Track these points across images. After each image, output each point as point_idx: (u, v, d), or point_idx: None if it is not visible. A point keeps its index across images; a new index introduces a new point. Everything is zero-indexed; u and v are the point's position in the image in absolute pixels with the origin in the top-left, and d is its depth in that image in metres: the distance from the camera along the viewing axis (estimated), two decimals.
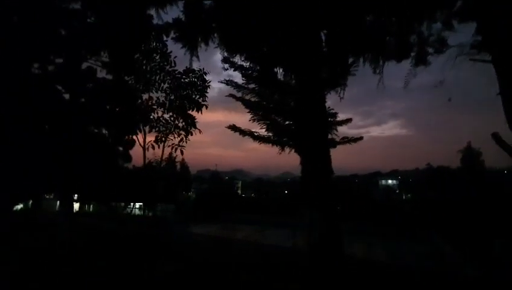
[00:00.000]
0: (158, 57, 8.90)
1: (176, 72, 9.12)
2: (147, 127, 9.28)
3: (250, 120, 6.28)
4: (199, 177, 53.26)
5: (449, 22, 5.27)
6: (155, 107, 9.28)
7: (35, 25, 6.79)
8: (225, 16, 5.89)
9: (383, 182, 53.91)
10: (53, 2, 7.43)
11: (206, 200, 27.16)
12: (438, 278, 6.50)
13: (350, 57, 5.85)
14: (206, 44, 6.40)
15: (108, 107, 8.60)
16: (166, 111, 9.30)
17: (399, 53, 5.60)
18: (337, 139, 6.42)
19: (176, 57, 8.99)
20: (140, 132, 9.31)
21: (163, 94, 9.32)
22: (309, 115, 5.37)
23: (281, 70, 6.25)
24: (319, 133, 5.35)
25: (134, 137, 9.23)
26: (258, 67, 6.22)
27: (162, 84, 9.20)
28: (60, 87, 7.80)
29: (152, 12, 7.81)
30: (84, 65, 8.21)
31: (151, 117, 9.24)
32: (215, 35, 6.30)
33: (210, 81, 9.35)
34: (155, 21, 7.99)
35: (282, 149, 6.38)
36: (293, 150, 6.11)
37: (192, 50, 6.45)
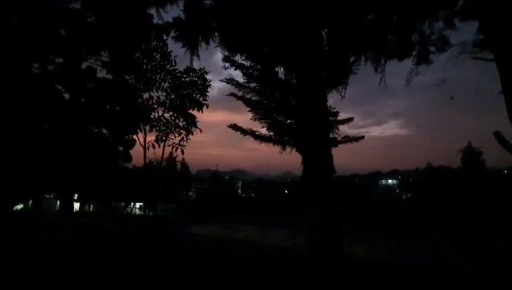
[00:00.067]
0: (158, 56, 8.88)
1: (177, 71, 9.11)
2: (148, 126, 9.26)
3: (251, 119, 6.28)
4: (199, 177, 53.23)
5: (451, 20, 5.26)
6: (155, 106, 9.27)
7: (35, 24, 6.78)
8: (225, 15, 5.88)
9: (383, 181, 53.91)
10: (53, 2, 7.42)
11: (207, 200, 27.15)
12: (438, 277, 6.48)
13: (351, 55, 5.83)
14: (207, 43, 6.39)
15: (108, 106, 8.58)
16: (166, 110, 9.28)
17: (401, 52, 5.59)
18: (339, 139, 6.41)
19: (176, 56, 9.00)
20: (141, 131, 9.30)
21: (164, 93, 9.32)
22: (310, 114, 5.35)
23: (281, 69, 6.24)
24: (320, 132, 5.33)
25: (134, 137, 9.22)
26: (259, 66, 6.20)
27: (163, 84, 9.19)
28: (60, 87, 7.78)
29: (152, 11, 7.82)
30: (84, 65, 8.20)
31: (152, 116, 9.22)
32: (216, 34, 6.29)
33: (211, 81, 9.34)
34: (155, 20, 8.00)
35: (284, 148, 6.37)
36: (294, 150, 6.10)
37: (193, 49, 6.44)
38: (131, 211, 19.98)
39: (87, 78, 8.23)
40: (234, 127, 6.22)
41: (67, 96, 7.88)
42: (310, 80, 5.57)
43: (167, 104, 9.25)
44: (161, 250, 7.50)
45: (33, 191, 7.94)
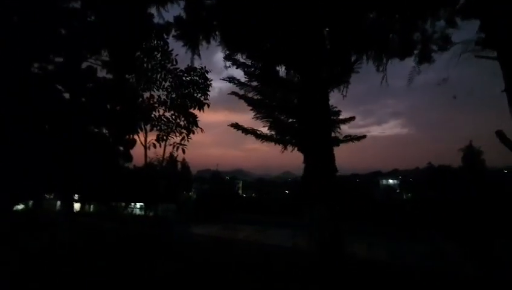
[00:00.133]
0: (159, 55, 8.86)
1: (178, 70, 9.08)
2: (148, 125, 9.23)
3: (253, 118, 6.26)
4: (200, 177, 53.19)
5: (452, 19, 5.23)
6: (156, 105, 9.24)
7: (35, 24, 6.75)
8: (225, 15, 5.86)
9: (384, 181, 53.84)
10: (53, 2, 7.40)
11: (207, 201, 27.13)
12: (439, 277, 6.46)
13: (353, 54, 5.80)
14: (208, 42, 6.38)
15: (109, 106, 8.56)
16: (167, 109, 9.25)
17: (402, 51, 5.56)
18: (340, 138, 6.38)
19: (177, 55, 8.97)
20: (142, 130, 9.27)
21: (165, 92, 9.28)
22: (312, 113, 5.33)
23: (283, 68, 6.22)
24: (322, 131, 5.30)
25: (135, 136, 9.20)
26: (260, 65, 6.17)
27: (164, 83, 9.16)
28: (60, 87, 7.77)
29: (153, 10, 7.82)
30: (85, 65, 8.18)
31: (153, 116, 9.19)
32: (217, 33, 6.27)
33: (212, 80, 9.31)
34: (156, 19, 8.00)
35: (285, 148, 6.34)
36: (296, 149, 6.07)
37: (194, 48, 6.43)
38: (132, 211, 19.96)
39: (88, 77, 8.21)
40: (236, 126, 6.20)
41: (67, 96, 7.86)
42: (311, 78, 5.55)
43: (168, 103, 9.21)
44: (162, 250, 7.48)
45: (33, 191, 7.92)
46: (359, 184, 41.49)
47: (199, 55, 6.68)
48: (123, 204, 19.62)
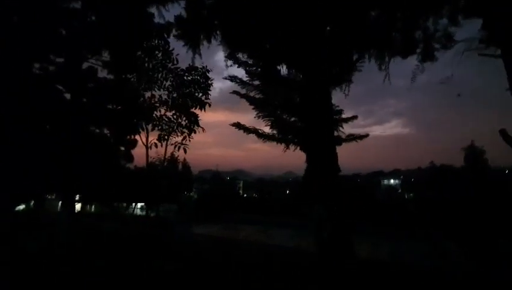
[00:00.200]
0: (160, 54, 8.82)
1: (179, 69, 9.03)
2: (150, 125, 9.19)
3: (255, 117, 6.24)
4: (201, 177, 53.21)
5: (455, 17, 5.19)
6: (157, 105, 9.19)
7: (35, 24, 6.74)
8: (224, 16, 5.85)
9: (385, 181, 53.71)
10: (53, 2, 7.38)
11: (208, 201, 27.13)
12: (438, 277, 6.43)
13: (355, 53, 5.76)
14: (209, 41, 6.36)
15: (110, 106, 8.54)
16: (169, 109, 9.20)
17: (405, 49, 5.52)
18: (343, 137, 6.35)
19: (178, 54, 8.93)
20: (143, 130, 9.22)
21: (166, 92, 9.24)
22: (315, 111, 5.29)
23: (284, 67, 6.18)
24: (325, 130, 5.27)
25: (136, 136, 9.17)
26: (261, 64, 6.14)
27: (165, 82, 9.10)
28: (60, 87, 7.75)
29: (153, 10, 7.80)
30: (85, 65, 8.17)
31: (154, 115, 9.15)
32: (217, 32, 6.25)
33: (213, 79, 9.27)
34: (157, 19, 7.98)
35: (287, 147, 6.31)
36: (298, 148, 6.03)
37: (195, 47, 6.41)
38: (133, 211, 19.96)
39: (88, 78, 8.19)
40: (237, 125, 6.17)
41: (68, 96, 7.85)
42: (313, 77, 5.52)
43: (169, 103, 9.17)
44: (162, 250, 7.47)
45: (33, 192, 7.91)
46: (360, 184, 41.41)
47: (200, 55, 6.68)
48: (124, 204, 19.62)
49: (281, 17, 5.34)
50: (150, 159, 10.45)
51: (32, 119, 6.78)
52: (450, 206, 19.73)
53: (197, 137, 9.29)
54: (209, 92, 9.31)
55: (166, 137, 9.30)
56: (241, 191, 52.65)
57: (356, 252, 5.79)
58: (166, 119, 9.26)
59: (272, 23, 5.49)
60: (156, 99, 9.32)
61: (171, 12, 7.48)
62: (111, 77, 8.43)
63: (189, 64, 8.81)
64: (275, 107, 6.37)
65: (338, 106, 6.25)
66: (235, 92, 6.14)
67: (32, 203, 12.55)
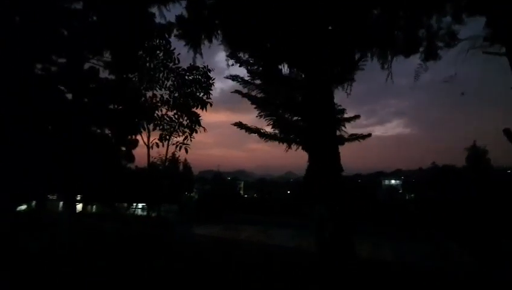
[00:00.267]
0: (161, 54, 8.81)
1: (180, 69, 9.02)
2: (151, 125, 9.18)
3: (257, 116, 6.21)
4: (201, 177, 53.24)
5: (459, 15, 5.15)
6: (159, 104, 9.18)
7: (37, 25, 6.74)
8: (225, 15, 5.83)
9: (386, 181, 53.60)
10: (54, 2, 7.38)
11: (209, 201, 27.10)
12: (440, 277, 6.40)
13: (357, 52, 5.73)
14: (210, 41, 6.35)
15: (111, 106, 8.53)
16: (170, 109, 9.19)
17: (407, 48, 5.48)
18: (346, 136, 6.31)
19: (179, 54, 8.92)
20: (144, 130, 9.22)
21: (167, 92, 9.23)
22: (317, 111, 5.26)
23: (286, 66, 6.15)
24: (327, 129, 5.23)
25: (138, 137, 9.16)
26: (263, 63, 6.12)
27: (166, 82, 9.10)
28: (62, 88, 7.76)
29: (154, 10, 7.80)
30: (87, 65, 8.17)
31: (155, 115, 9.14)
32: (219, 32, 6.23)
33: (214, 79, 9.25)
34: (158, 19, 7.98)
35: (289, 147, 6.28)
36: (300, 148, 6.00)
37: (196, 47, 6.40)
38: (134, 211, 19.97)
39: (90, 78, 8.19)
40: (239, 125, 6.15)
41: (70, 96, 7.85)
42: (315, 76, 5.48)
43: (171, 103, 9.16)
44: (162, 250, 7.46)
45: (34, 192, 7.91)
46: (362, 184, 41.33)
47: (201, 54, 6.67)
48: (125, 205, 19.64)
49: (282, 16, 5.32)
50: (151, 159, 10.45)
51: (34, 119, 6.78)
52: (452, 207, 19.65)
53: (198, 137, 9.29)
54: (211, 91, 9.31)
55: (167, 137, 9.29)
56: (242, 192, 52.63)
57: (357, 252, 5.77)
58: (167, 118, 9.26)
59: (272, 23, 5.47)
60: (158, 99, 9.32)
61: (172, 12, 7.49)
62: (112, 77, 8.43)
63: (191, 64, 8.80)
64: (276, 106, 6.34)
65: (340, 106, 6.24)
66: (236, 92, 6.12)
67: (33, 204, 12.56)
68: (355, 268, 5.10)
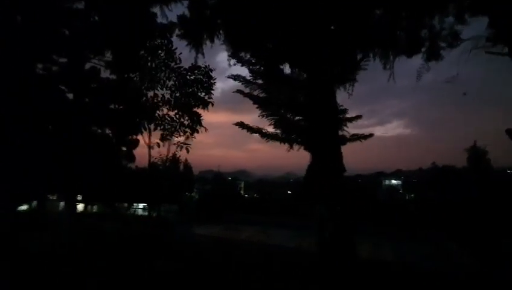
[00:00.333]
0: (163, 54, 8.81)
1: (181, 68, 9.02)
2: (152, 125, 9.18)
3: (258, 116, 6.20)
4: (202, 178, 53.15)
5: (461, 15, 5.14)
6: (160, 104, 9.18)
7: (38, 24, 6.73)
8: (227, 15, 5.83)
9: (386, 182, 53.57)
10: (56, 2, 7.38)
11: (209, 201, 27.07)
12: (440, 278, 6.40)
13: (359, 52, 5.72)
14: (212, 41, 6.34)
15: (112, 106, 8.53)
16: (171, 108, 9.19)
17: (410, 48, 5.47)
18: (348, 136, 6.30)
19: (181, 53, 8.92)
20: (145, 130, 9.22)
21: (169, 91, 9.22)
22: (319, 110, 5.25)
23: (287, 66, 6.15)
24: (330, 129, 5.22)
25: (138, 137, 9.15)
26: (264, 63, 6.11)
27: (167, 82, 9.10)
28: (63, 88, 7.75)
29: (156, 10, 7.79)
30: (88, 65, 8.17)
31: (156, 115, 9.14)
32: (220, 32, 6.23)
33: (215, 79, 9.26)
34: (159, 19, 7.97)
35: (291, 147, 6.27)
36: (302, 148, 5.99)
37: (198, 47, 6.40)
38: (135, 211, 19.94)
39: (91, 78, 8.18)
40: (241, 124, 6.14)
41: (71, 96, 7.84)
42: (316, 76, 5.48)
43: (172, 102, 9.15)
44: (163, 250, 7.45)
45: (35, 192, 7.90)
46: (362, 184, 41.30)
47: (203, 54, 6.67)
48: (126, 205, 19.60)
49: (283, 17, 5.31)
50: (151, 159, 10.43)
51: (35, 119, 6.77)
52: (452, 207, 19.64)
53: (199, 137, 9.29)
54: (212, 91, 9.30)
55: (168, 137, 9.28)
56: (242, 192, 52.56)
57: (357, 252, 5.77)
58: (168, 118, 9.25)
59: (274, 23, 5.47)
60: (159, 99, 9.32)
61: (174, 12, 7.47)
62: (113, 77, 8.42)
63: (192, 64, 8.80)
64: (278, 106, 6.33)
65: (342, 105, 6.23)
66: (238, 91, 6.11)
67: (34, 204, 12.55)
68: (355, 268, 5.09)
